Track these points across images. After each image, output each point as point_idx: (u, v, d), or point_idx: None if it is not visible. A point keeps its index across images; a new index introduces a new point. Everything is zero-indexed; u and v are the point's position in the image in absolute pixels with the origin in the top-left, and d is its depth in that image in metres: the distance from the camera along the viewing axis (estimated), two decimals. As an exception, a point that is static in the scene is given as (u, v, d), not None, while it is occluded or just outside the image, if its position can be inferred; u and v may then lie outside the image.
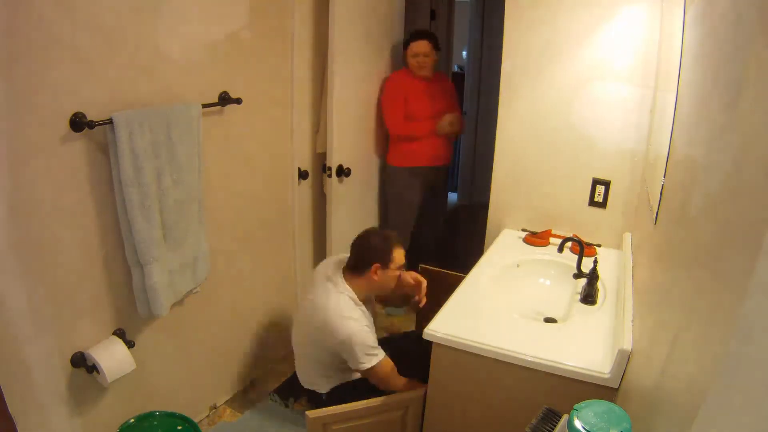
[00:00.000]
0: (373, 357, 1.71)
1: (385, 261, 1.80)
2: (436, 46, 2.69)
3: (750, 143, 0.59)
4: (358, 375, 1.85)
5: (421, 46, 2.64)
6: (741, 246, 0.56)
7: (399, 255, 1.83)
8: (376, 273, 1.79)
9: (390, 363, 1.75)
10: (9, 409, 1.33)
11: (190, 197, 1.79)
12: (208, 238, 1.93)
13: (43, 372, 1.52)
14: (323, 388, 1.89)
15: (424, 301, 1.94)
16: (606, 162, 2.07)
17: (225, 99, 1.95)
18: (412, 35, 2.70)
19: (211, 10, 1.84)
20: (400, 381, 1.76)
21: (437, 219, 3.18)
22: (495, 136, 2.26)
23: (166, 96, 1.72)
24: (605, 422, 0.83)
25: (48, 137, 1.41)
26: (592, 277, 1.73)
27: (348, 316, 1.71)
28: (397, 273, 1.84)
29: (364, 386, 1.81)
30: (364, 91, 2.64)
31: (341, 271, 1.85)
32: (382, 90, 2.74)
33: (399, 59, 2.94)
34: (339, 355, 1.76)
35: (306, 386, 1.94)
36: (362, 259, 1.81)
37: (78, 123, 1.44)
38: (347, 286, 1.80)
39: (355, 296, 1.79)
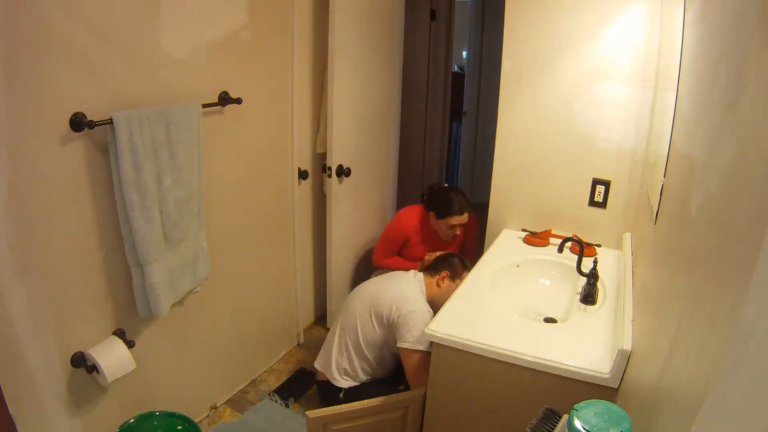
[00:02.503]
0: (419, 345, 1.80)
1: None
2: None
3: (750, 143, 0.59)
4: (386, 372, 2.03)
5: (464, 219, 2.35)
6: (741, 246, 0.56)
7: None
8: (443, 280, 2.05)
9: (428, 360, 1.75)
10: (9, 409, 1.33)
11: (190, 197, 1.79)
12: (208, 238, 1.93)
13: (43, 372, 1.52)
14: (346, 382, 1.95)
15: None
16: (606, 162, 2.07)
17: (225, 99, 1.95)
18: (460, 208, 2.32)
19: (211, 10, 1.84)
20: (423, 380, 1.75)
21: None
22: (495, 136, 2.26)
23: (166, 96, 1.73)
24: (605, 422, 0.83)
25: (48, 137, 1.41)
26: (592, 277, 1.73)
27: (423, 303, 1.93)
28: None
29: (387, 389, 1.85)
30: (364, 91, 2.64)
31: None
32: (392, 222, 2.58)
33: (399, 62, 2.94)
34: (391, 333, 1.90)
35: (329, 376, 1.98)
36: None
37: (78, 123, 1.44)
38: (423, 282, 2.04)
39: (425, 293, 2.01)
